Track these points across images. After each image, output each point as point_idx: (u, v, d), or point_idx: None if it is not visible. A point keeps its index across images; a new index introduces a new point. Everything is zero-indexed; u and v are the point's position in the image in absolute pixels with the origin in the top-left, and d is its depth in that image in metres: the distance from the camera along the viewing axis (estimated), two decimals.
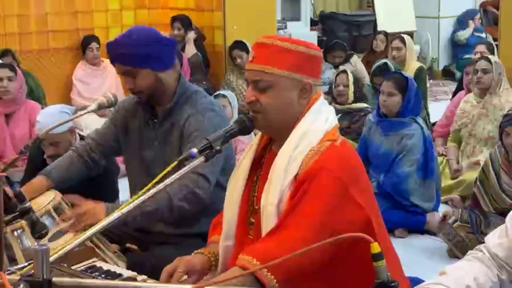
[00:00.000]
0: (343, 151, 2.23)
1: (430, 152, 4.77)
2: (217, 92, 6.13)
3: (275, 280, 2.02)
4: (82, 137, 3.85)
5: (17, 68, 5.75)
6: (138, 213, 2.82)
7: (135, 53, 2.99)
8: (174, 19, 7.77)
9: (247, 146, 2.44)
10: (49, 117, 3.70)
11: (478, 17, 11.03)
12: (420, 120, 4.88)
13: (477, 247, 2.12)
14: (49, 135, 3.51)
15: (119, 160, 4.45)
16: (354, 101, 6.00)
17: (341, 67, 7.35)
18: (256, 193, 2.31)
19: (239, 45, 7.39)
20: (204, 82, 7.58)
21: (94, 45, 7.51)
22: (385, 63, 6.35)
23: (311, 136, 2.22)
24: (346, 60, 7.69)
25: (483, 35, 10.87)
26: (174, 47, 3.18)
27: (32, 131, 5.55)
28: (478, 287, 1.95)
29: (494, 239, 2.06)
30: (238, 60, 7.34)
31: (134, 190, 3.19)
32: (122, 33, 3.14)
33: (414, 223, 4.74)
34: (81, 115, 3.33)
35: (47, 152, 3.79)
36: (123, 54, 3.02)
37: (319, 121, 2.26)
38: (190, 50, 7.57)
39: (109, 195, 3.76)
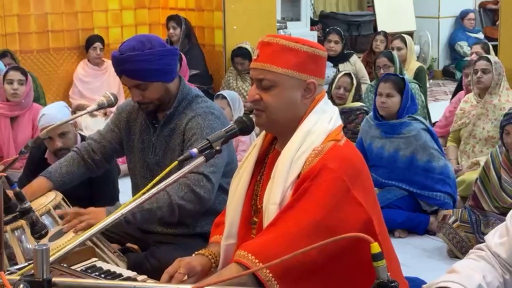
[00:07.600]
0: (346, 151, 2.23)
1: (439, 143, 4.81)
2: (218, 93, 6.09)
3: (271, 275, 2.02)
4: (83, 138, 3.85)
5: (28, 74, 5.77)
6: (137, 210, 2.81)
7: (147, 68, 2.93)
8: (169, 18, 7.79)
9: (250, 145, 2.44)
10: (54, 109, 3.83)
11: (472, 17, 10.99)
12: (418, 116, 4.87)
13: (477, 246, 2.11)
14: (57, 128, 3.46)
15: (120, 160, 4.44)
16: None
17: (341, 66, 7.30)
18: (259, 192, 2.31)
19: (242, 52, 7.31)
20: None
21: (98, 45, 7.54)
22: (390, 52, 6.40)
23: (315, 136, 2.22)
24: (345, 58, 7.59)
25: (479, 35, 10.85)
26: (178, 54, 3.13)
27: (34, 134, 5.55)
28: (488, 286, 1.94)
29: (494, 239, 2.05)
30: (240, 67, 7.33)
31: (137, 192, 3.17)
32: (129, 44, 2.97)
33: (416, 224, 4.72)
34: (81, 115, 3.32)
35: (54, 146, 3.77)
36: (134, 70, 2.94)
37: (322, 121, 2.26)
38: None
39: (109, 195, 3.76)
